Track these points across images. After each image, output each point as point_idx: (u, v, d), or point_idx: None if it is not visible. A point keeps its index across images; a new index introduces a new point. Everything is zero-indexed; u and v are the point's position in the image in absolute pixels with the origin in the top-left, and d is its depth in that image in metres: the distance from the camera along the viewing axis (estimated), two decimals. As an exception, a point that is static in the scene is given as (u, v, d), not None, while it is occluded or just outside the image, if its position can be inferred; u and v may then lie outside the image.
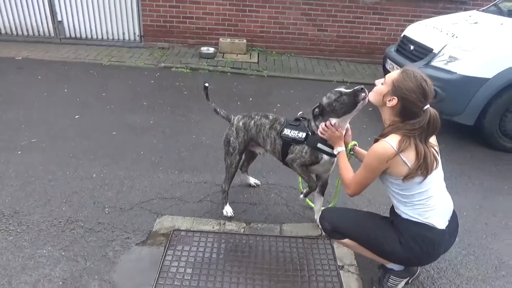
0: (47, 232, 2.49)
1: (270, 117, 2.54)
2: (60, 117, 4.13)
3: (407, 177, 1.84)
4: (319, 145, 2.31)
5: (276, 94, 5.28)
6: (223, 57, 6.55)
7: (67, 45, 6.76)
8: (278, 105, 4.89)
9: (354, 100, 2.17)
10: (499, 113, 3.91)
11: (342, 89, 2.23)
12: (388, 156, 1.83)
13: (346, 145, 2.39)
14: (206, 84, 2.72)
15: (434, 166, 1.85)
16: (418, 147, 1.82)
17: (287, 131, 2.40)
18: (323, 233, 2.63)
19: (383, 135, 1.91)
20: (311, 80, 5.98)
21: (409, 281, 2.17)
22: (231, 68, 6.12)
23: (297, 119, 2.45)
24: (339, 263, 2.39)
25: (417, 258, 1.97)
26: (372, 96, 2.01)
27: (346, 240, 2.09)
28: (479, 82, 3.79)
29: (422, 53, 4.35)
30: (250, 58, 6.59)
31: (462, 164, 3.67)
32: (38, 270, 2.20)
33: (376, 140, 1.93)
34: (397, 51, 4.89)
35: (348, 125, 2.33)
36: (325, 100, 2.27)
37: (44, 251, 2.33)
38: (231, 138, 2.59)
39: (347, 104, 2.20)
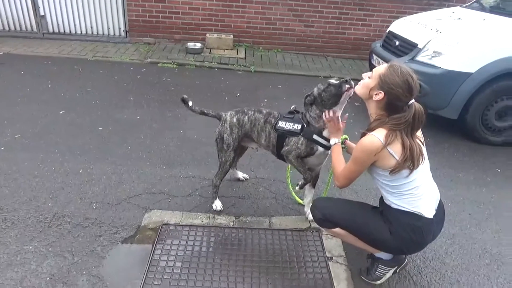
0: (33, 228, 2.45)
1: (264, 111, 2.54)
2: (45, 113, 4.05)
3: (394, 170, 1.88)
4: (315, 137, 2.33)
5: (263, 89, 5.29)
6: (210, 53, 6.52)
7: (50, 40, 6.63)
8: (265, 100, 4.89)
9: (339, 89, 2.20)
10: (482, 107, 3.99)
11: (332, 81, 2.25)
12: (375, 149, 1.86)
13: None
14: (185, 96, 2.67)
15: (421, 160, 1.88)
16: (404, 141, 1.85)
17: (282, 124, 2.41)
18: (312, 225, 2.66)
19: (370, 129, 1.94)
20: (298, 75, 6.01)
21: (397, 270, 2.22)
22: (218, 63, 6.09)
23: (291, 112, 2.47)
24: (327, 255, 2.42)
25: (406, 246, 2.01)
26: (359, 89, 2.04)
27: (336, 229, 2.11)
28: (462, 76, 3.86)
29: (407, 48, 4.41)
30: (237, 54, 6.58)
31: (447, 157, 3.75)
32: (24, 266, 2.16)
33: (364, 134, 1.95)
34: (383, 46, 4.95)
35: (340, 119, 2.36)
36: (315, 91, 2.31)
37: (31, 247, 2.30)
38: (225, 135, 2.57)
39: (334, 95, 2.23)
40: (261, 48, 7.01)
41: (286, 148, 2.41)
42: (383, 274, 2.19)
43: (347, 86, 2.16)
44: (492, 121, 4.04)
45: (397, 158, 1.85)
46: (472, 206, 3.04)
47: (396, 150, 1.85)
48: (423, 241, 2.01)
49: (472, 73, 3.82)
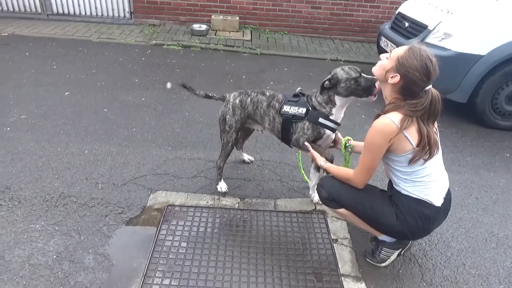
0: (39, 207, 2.46)
1: (267, 93, 2.50)
2: (50, 94, 4.04)
3: (413, 160, 1.83)
4: (321, 120, 2.29)
5: (269, 72, 5.23)
6: (215, 35, 6.44)
7: (54, 21, 6.58)
8: (271, 83, 4.84)
9: (369, 89, 2.16)
10: (492, 91, 3.91)
11: (362, 73, 2.20)
12: (390, 132, 1.79)
13: (339, 145, 2.41)
14: (168, 85, 2.65)
15: (436, 150, 1.85)
16: (421, 128, 1.80)
17: (286, 108, 2.36)
18: (317, 208, 2.65)
19: (385, 112, 1.87)
20: (304, 58, 5.93)
21: (401, 253, 2.20)
22: (224, 46, 6.02)
23: (296, 95, 2.41)
24: (332, 237, 2.41)
25: (411, 232, 1.99)
26: (376, 70, 1.97)
27: (341, 210, 2.10)
28: (473, 59, 3.78)
29: (417, 30, 4.32)
30: (243, 36, 6.49)
31: (455, 141, 3.70)
32: (31, 244, 2.18)
33: (378, 116, 1.90)
34: (392, 28, 4.84)
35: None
36: (343, 75, 2.21)
37: (37, 225, 2.31)
38: (227, 116, 2.54)
39: (362, 89, 2.19)
40: (267, 30, 6.90)
41: (294, 136, 2.38)
42: (388, 256, 2.18)
43: (376, 90, 2.13)
44: (502, 105, 3.97)
45: (413, 144, 1.81)
46: (480, 190, 3.01)
47: (412, 135, 1.80)
48: (428, 229, 1.99)
49: (483, 55, 3.73)
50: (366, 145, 1.90)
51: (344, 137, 2.41)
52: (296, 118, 2.34)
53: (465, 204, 2.83)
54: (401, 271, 2.20)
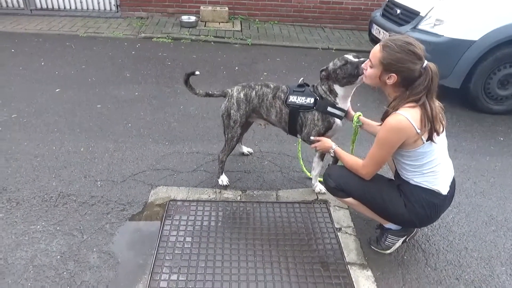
0: (39, 208, 2.42)
1: (271, 85, 2.48)
2: (40, 92, 3.95)
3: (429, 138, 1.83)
4: (329, 109, 2.28)
5: (262, 62, 5.19)
6: (205, 26, 6.36)
7: (38, 16, 6.42)
8: (264, 73, 4.81)
9: (356, 71, 2.14)
10: (484, 76, 3.95)
11: (350, 57, 2.17)
12: (403, 129, 1.78)
13: (350, 117, 2.38)
14: (197, 72, 2.58)
15: (440, 127, 1.84)
16: (427, 109, 1.79)
17: (293, 98, 2.35)
18: (319, 198, 2.66)
19: (393, 107, 1.85)
20: (296, 47, 5.90)
21: (406, 240, 2.23)
22: (214, 37, 5.95)
23: (300, 85, 2.40)
24: (336, 226, 2.42)
25: (419, 221, 2.01)
26: (369, 81, 1.97)
27: (349, 199, 2.11)
28: (465, 44, 3.80)
29: (408, 16, 4.32)
30: (233, 27, 6.42)
31: (450, 127, 3.74)
32: (33, 245, 2.15)
33: (386, 112, 1.87)
34: (383, 15, 4.84)
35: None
36: (331, 66, 2.24)
37: (38, 226, 2.27)
38: (232, 111, 2.51)
39: (350, 75, 2.18)
40: (257, 20, 6.85)
41: (305, 130, 2.37)
42: (393, 243, 2.20)
43: (363, 68, 2.10)
44: (494, 90, 4.01)
45: (424, 140, 1.82)
46: (477, 175, 3.06)
47: (422, 130, 1.80)
48: (436, 217, 2.02)
49: (476, 40, 3.75)
50: (379, 140, 1.89)
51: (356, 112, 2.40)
52: (304, 108, 2.33)
53: (464, 189, 2.87)
54: (405, 257, 2.23)
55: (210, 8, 6.52)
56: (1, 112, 3.51)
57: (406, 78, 1.82)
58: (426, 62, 1.80)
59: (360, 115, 2.35)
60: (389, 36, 1.86)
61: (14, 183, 2.62)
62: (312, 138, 2.34)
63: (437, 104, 1.86)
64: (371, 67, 1.91)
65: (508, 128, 3.82)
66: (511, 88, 4.01)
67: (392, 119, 1.82)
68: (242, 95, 2.49)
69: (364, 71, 2.01)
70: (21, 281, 1.93)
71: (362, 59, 2.13)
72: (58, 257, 2.08)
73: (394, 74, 1.82)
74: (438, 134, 1.84)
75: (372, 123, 2.32)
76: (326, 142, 2.26)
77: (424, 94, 1.79)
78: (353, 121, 2.36)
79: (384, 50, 1.82)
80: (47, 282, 1.93)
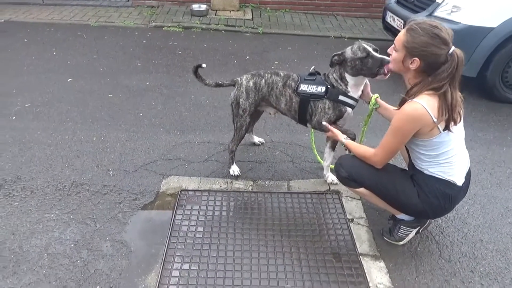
0: (52, 196, 2.44)
1: (281, 74, 2.44)
2: (52, 81, 3.97)
3: (447, 127, 1.78)
4: (341, 97, 2.24)
5: (273, 51, 5.13)
6: (215, 15, 6.31)
7: (50, 6, 6.44)
8: (276, 62, 4.76)
9: (377, 69, 2.09)
10: (502, 64, 3.85)
11: (371, 50, 2.10)
12: (418, 117, 1.75)
13: (367, 99, 2.33)
14: (204, 65, 2.54)
15: (459, 119, 1.80)
16: (447, 97, 1.73)
17: (304, 87, 2.31)
18: (331, 188, 2.63)
19: (411, 95, 1.81)
20: (307, 36, 5.82)
21: (419, 231, 2.20)
22: (225, 26, 5.90)
23: (311, 74, 2.36)
24: (348, 217, 2.40)
25: (432, 212, 1.97)
26: (392, 66, 1.93)
27: (361, 189, 2.08)
28: (483, 32, 3.70)
29: (424, 3, 4.22)
30: (244, 15, 6.35)
31: (465, 116, 3.57)
32: (47, 233, 2.17)
33: (404, 100, 1.84)
34: (398, 2, 4.73)
35: (367, 80, 2.27)
36: (349, 54, 2.17)
37: (52, 215, 2.30)
38: (241, 100, 2.48)
39: (369, 69, 2.12)
40: (268, 8, 6.76)
41: (315, 118, 2.33)
42: (406, 234, 2.17)
43: (386, 69, 2.05)
44: (512, 78, 3.91)
45: (441, 129, 1.78)
46: (493, 166, 2.99)
47: (439, 118, 1.76)
48: (450, 208, 1.98)
49: (494, 27, 3.65)
50: (393, 128, 1.85)
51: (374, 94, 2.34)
52: (315, 97, 2.29)
53: (479, 180, 2.81)
54: (419, 249, 2.20)
55: (220, -4, 6.46)
56: (14, 101, 3.54)
57: (430, 64, 1.76)
58: (453, 47, 1.73)
59: (377, 97, 2.29)
60: (415, 18, 1.82)
61: (28, 172, 2.65)
62: (324, 123, 2.27)
63: (458, 93, 1.80)
64: (395, 50, 1.87)
65: (526, 118, 3.73)
66: (529, 77, 3.90)
67: (408, 107, 1.78)
68: (251, 83, 2.46)
69: (389, 57, 1.96)
70: (36, 268, 1.96)
71: (387, 58, 2.03)
72: (72, 245, 2.11)
73: (417, 59, 1.77)
74: (455, 124, 1.79)
75: (389, 107, 2.26)
76: (338, 135, 2.21)
77: (447, 82, 1.73)
78: (370, 103, 2.30)
79: (408, 33, 1.77)
80: (61, 270, 1.96)
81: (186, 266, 2.01)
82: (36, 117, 3.32)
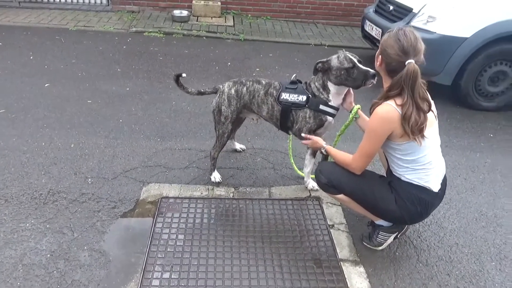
0: (28, 205, 2.38)
1: (263, 82, 2.45)
2: (29, 86, 3.88)
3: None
4: (322, 107, 2.27)
5: (254, 58, 5.16)
6: (197, 21, 6.30)
7: (26, 9, 6.30)
8: (257, 69, 4.79)
9: (362, 81, 2.14)
10: (475, 73, 3.98)
11: (356, 61, 2.14)
12: (392, 118, 1.79)
13: (349, 108, 2.36)
14: (184, 74, 2.55)
15: (426, 107, 1.81)
16: (407, 112, 1.76)
17: (285, 96, 2.32)
18: (312, 194, 2.66)
19: (380, 99, 1.87)
20: (288, 43, 5.88)
21: (398, 236, 2.24)
22: (207, 32, 5.90)
23: (293, 82, 2.38)
24: (329, 222, 2.43)
25: (409, 217, 2.02)
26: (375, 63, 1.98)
27: (341, 196, 2.11)
28: (457, 41, 3.82)
29: (401, 13, 4.33)
30: (225, 22, 6.37)
31: (441, 123, 3.70)
32: (23, 244, 2.11)
33: (374, 104, 1.89)
34: (376, 12, 4.84)
35: (351, 89, 2.31)
36: (335, 63, 2.19)
37: (27, 224, 2.24)
38: (223, 107, 2.48)
39: (354, 80, 2.16)
40: (249, 15, 6.80)
41: (296, 126, 2.36)
42: (385, 240, 2.21)
43: (372, 81, 2.11)
44: (485, 87, 4.05)
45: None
46: (467, 171, 3.08)
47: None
48: (426, 213, 2.03)
49: (468, 37, 3.77)
50: (367, 132, 1.90)
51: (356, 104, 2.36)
52: (296, 105, 2.31)
53: (454, 185, 2.89)
54: (397, 253, 2.24)
55: (202, 2, 6.46)
56: (-12, 107, 3.44)
57: (387, 65, 1.85)
58: (411, 60, 1.76)
59: (359, 108, 2.32)
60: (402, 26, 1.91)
61: (2, 180, 2.57)
62: (303, 135, 2.33)
63: (422, 115, 1.80)
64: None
65: (497, 124, 3.87)
66: (501, 85, 4.06)
67: (380, 109, 1.84)
68: (233, 91, 2.47)
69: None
70: (10, 280, 1.90)
71: (371, 71, 2.09)
72: (48, 255, 2.05)
73: (380, 57, 1.87)
74: (424, 114, 1.80)
75: (367, 119, 2.30)
76: (318, 141, 2.25)
77: (404, 90, 1.76)
78: (352, 112, 2.31)
79: (388, 33, 1.87)
80: (36, 281, 1.90)
81: (166, 275, 1.98)
82: (12, 123, 3.23)
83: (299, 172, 2.83)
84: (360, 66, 2.14)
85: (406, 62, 1.76)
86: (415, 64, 1.76)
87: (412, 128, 1.78)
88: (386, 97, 1.85)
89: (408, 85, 1.76)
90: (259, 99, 2.43)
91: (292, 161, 2.87)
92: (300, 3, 6.74)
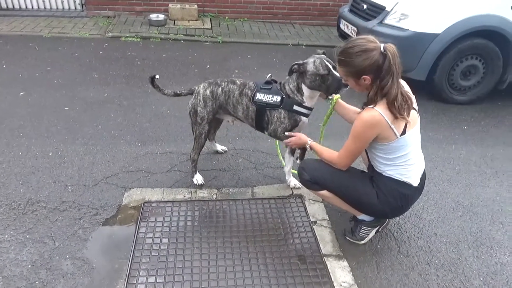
0: (6, 216, 2.32)
1: (238, 82, 2.46)
2: (3, 95, 3.79)
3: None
4: (295, 107, 2.29)
5: (233, 60, 5.18)
6: (174, 24, 6.28)
7: (-2, 17, 6.14)
8: (236, 71, 4.81)
9: (335, 88, 2.17)
10: (448, 67, 4.10)
11: (331, 67, 2.14)
12: (378, 124, 1.83)
13: (323, 97, 2.36)
14: (157, 76, 2.56)
15: (406, 113, 1.86)
16: (391, 93, 1.80)
17: (260, 96, 2.34)
18: (294, 192, 2.69)
19: (369, 102, 1.90)
20: (266, 44, 5.92)
21: (379, 230, 2.29)
22: (184, 35, 5.89)
23: (267, 82, 2.39)
24: (311, 219, 2.46)
25: (391, 211, 2.08)
26: (357, 89, 2.00)
27: (323, 192, 2.14)
28: (429, 38, 3.93)
29: (375, 11, 4.42)
30: (203, 25, 6.37)
31: None
32: (2, 256, 2.06)
33: (363, 109, 1.93)
34: (351, 11, 4.93)
35: None
36: (311, 67, 2.18)
37: (6, 235, 2.19)
38: (198, 108, 2.49)
39: (327, 87, 2.19)
40: (227, 17, 6.81)
41: (271, 127, 2.38)
42: (367, 234, 2.26)
43: (344, 90, 2.15)
44: (457, 81, 4.18)
45: (397, 134, 1.86)
46: (443, 163, 3.18)
47: (397, 126, 1.85)
48: (406, 207, 2.10)
49: (439, 33, 3.89)
50: (353, 134, 1.92)
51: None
52: (271, 106, 2.33)
53: (432, 177, 2.97)
54: (379, 246, 2.29)
55: (179, 6, 6.44)
56: (-39, 118, 3.35)
57: (375, 71, 1.83)
58: (382, 44, 1.80)
59: (339, 97, 2.31)
60: (336, 51, 1.92)
61: (-22, 192, 2.51)
62: (286, 133, 2.34)
63: (403, 89, 1.87)
64: (345, 80, 2.00)
65: (470, 117, 4.00)
66: (473, 78, 4.19)
67: (366, 114, 1.87)
68: (208, 92, 2.48)
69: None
70: (-10, 293, 1.86)
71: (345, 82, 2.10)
72: (29, 266, 2.02)
73: (364, 76, 1.85)
74: (408, 112, 1.85)
75: (348, 107, 2.31)
76: (302, 137, 2.25)
77: (390, 77, 1.79)
78: (331, 102, 2.32)
79: (341, 65, 1.90)
80: (18, 293, 1.87)
81: (151, 279, 1.98)
82: (-14, 134, 3.15)
83: (284, 163, 2.82)
84: (335, 73, 2.14)
85: (382, 48, 1.79)
86: (389, 45, 1.80)
87: (400, 109, 1.81)
88: (372, 100, 1.87)
89: (395, 65, 1.78)
90: (234, 99, 2.44)
91: (281, 158, 2.88)
92: (276, 4, 6.79)
